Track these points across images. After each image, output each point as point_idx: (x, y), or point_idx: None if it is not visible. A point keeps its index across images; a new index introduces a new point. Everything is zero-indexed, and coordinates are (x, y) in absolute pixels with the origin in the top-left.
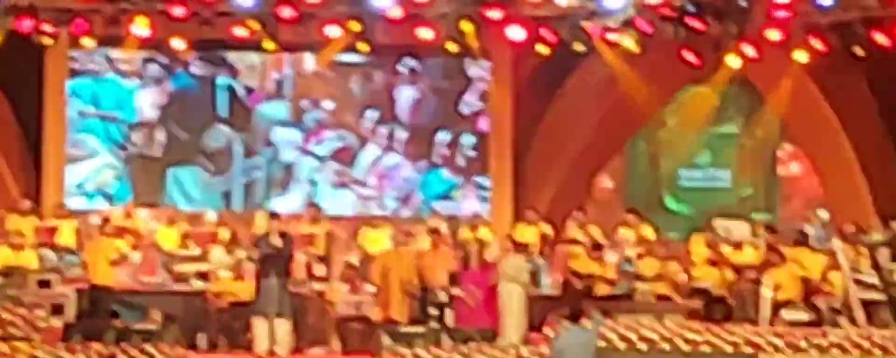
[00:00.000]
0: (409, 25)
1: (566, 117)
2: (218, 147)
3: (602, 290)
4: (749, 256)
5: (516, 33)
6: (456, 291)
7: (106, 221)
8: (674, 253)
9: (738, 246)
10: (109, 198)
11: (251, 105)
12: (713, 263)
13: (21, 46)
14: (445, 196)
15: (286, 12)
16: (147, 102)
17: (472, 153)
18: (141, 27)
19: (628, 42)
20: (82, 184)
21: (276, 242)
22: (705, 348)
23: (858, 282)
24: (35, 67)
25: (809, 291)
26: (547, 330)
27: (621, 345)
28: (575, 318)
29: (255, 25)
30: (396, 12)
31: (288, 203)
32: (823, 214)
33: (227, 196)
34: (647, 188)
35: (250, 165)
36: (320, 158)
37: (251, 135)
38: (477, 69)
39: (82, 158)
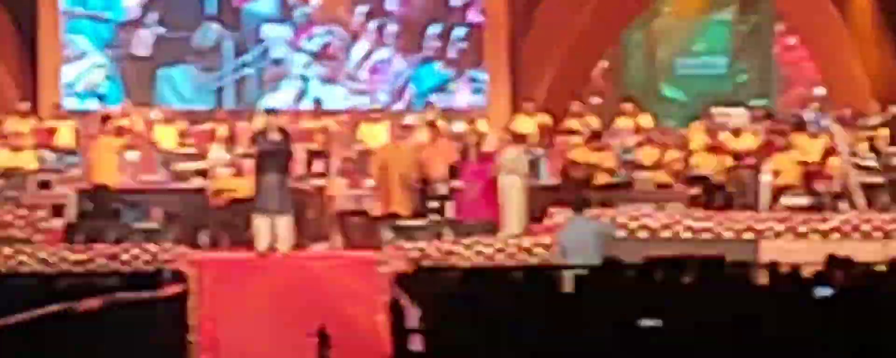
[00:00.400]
0: None
1: (560, 7)
2: (207, 45)
3: (601, 179)
4: (748, 142)
5: None
6: (456, 183)
7: (106, 119)
8: (672, 141)
9: (736, 132)
10: (101, 98)
11: (239, 3)
12: (712, 150)
13: None
14: (439, 89)
15: None
16: (134, 1)
17: (464, 45)
18: None
19: None
20: (73, 84)
21: (275, 137)
22: (706, 235)
23: (857, 166)
24: None
25: (809, 176)
26: (548, 220)
27: (622, 233)
28: (579, 209)
29: None
30: None
31: (280, 99)
32: (820, 92)
33: (218, 94)
34: (643, 77)
35: (241, 63)
36: (311, 54)
37: (240, 33)
38: None
39: (72, 59)
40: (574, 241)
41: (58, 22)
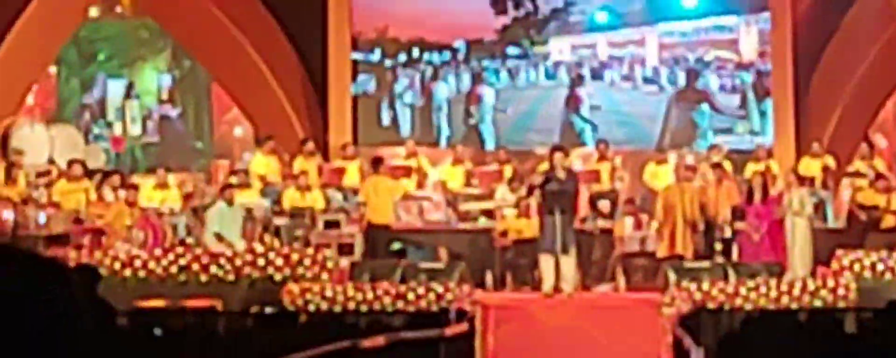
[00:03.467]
0: None
1: (846, 50)
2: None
3: (887, 222)
4: None
5: None
6: (740, 225)
7: (378, 161)
8: None
9: None
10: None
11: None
12: None
13: None
14: (728, 131)
15: None
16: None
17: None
18: None
19: None
20: None
21: (561, 177)
22: None
23: None
24: (318, 13)
25: None
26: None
27: None
28: None
29: None
30: None
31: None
32: None
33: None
34: None
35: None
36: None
37: None
38: None
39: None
40: None
41: (346, 63)
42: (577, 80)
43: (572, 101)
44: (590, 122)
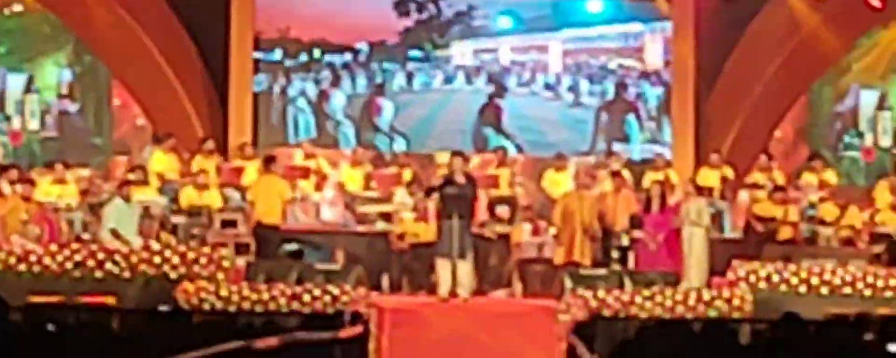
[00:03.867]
0: None
1: (748, 62)
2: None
3: (784, 234)
4: None
5: None
6: (637, 234)
7: (270, 160)
8: (857, 198)
9: None
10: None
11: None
12: None
13: None
14: (624, 139)
15: None
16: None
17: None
18: None
19: None
20: None
21: (461, 181)
22: (888, 293)
23: None
24: (221, 12)
25: None
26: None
27: (803, 289)
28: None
29: None
30: None
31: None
32: None
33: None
34: (830, 133)
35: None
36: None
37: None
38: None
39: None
40: None
41: (248, 64)
42: (498, 91)
43: (490, 111)
44: (509, 136)
